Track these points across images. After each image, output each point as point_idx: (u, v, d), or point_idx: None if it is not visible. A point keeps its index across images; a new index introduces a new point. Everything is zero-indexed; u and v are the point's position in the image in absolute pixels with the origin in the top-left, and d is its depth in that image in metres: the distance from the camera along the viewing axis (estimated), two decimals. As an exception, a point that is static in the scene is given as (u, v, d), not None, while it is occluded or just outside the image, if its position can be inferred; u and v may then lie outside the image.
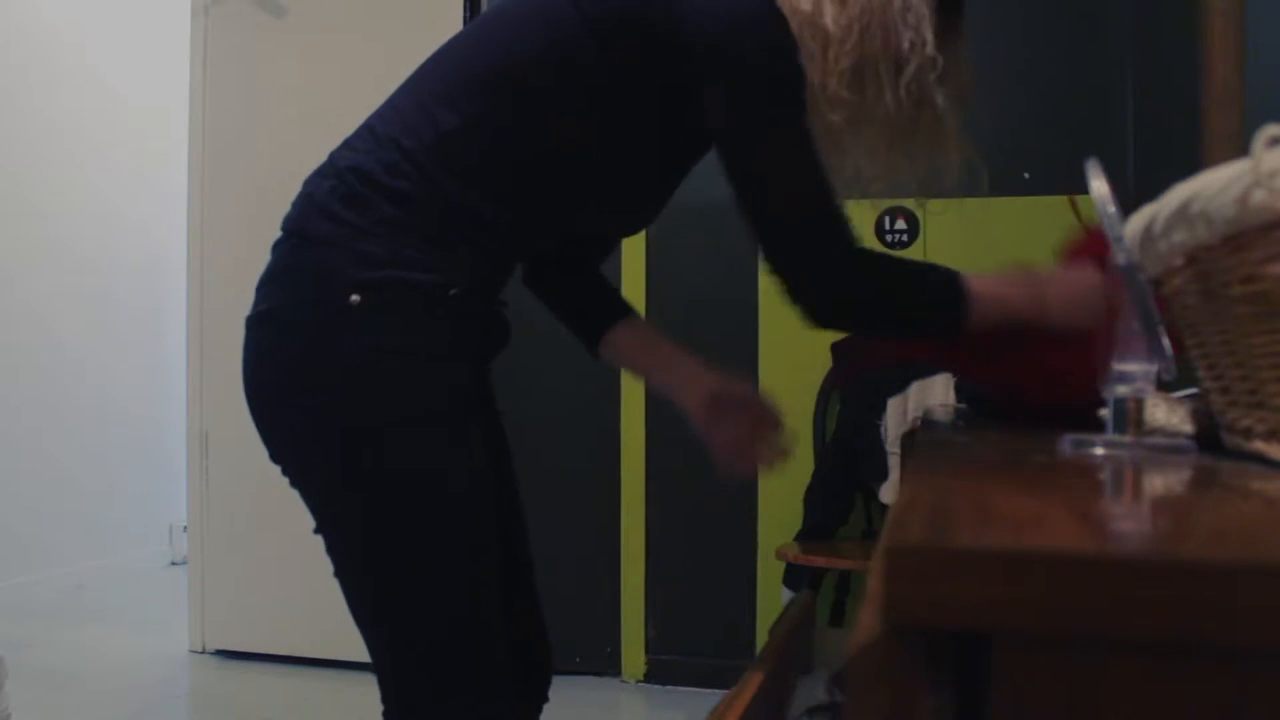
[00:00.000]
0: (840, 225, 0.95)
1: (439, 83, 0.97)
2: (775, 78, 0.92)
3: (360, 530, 0.96)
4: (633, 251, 2.75)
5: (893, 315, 0.99)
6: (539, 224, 1.03)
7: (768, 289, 2.67)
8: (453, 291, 0.93)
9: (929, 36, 0.95)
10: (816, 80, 0.95)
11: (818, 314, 0.96)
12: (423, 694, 0.97)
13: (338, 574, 0.99)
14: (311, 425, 0.94)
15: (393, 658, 0.98)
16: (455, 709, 0.95)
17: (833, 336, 2.51)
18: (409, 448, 0.93)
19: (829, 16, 0.93)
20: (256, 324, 0.97)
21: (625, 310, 1.19)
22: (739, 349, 2.65)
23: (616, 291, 1.22)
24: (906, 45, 0.95)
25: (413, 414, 0.93)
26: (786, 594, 2.43)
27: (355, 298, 0.90)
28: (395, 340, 0.91)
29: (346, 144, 1.00)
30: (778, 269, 0.95)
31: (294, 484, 1.00)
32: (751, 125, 0.93)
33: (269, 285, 0.97)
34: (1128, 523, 0.39)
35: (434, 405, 0.94)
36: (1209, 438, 0.69)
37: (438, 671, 0.96)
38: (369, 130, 0.98)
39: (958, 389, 2.29)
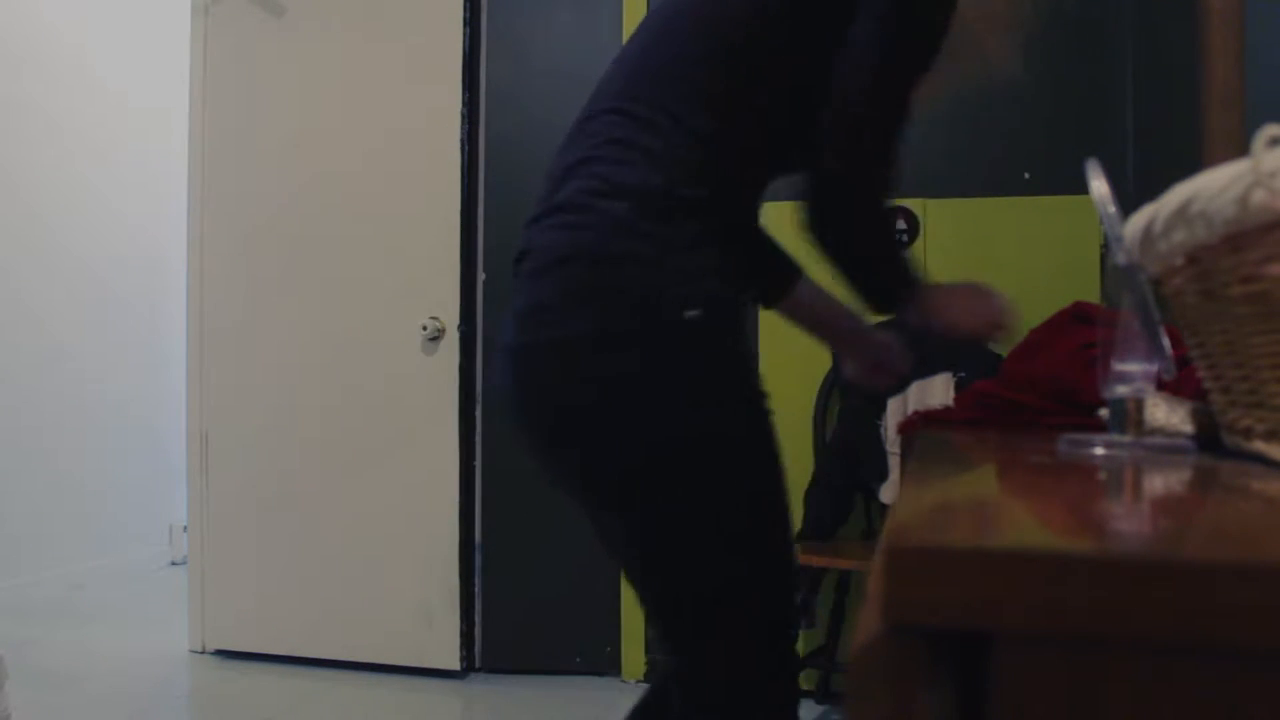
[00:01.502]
0: (897, 157, 1.04)
1: (669, 83, 1.00)
2: (929, 24, 1.00)
3: (700, 533, 0.98)
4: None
5: (883, 238, 1.07)
6: (762, 195, 1.12)
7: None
8: (743, 296, 1.01)
9: None
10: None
11: (845, 199, 1.02)
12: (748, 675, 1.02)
13: (664, 588, 1.03)
14: (652, 439, 0.95)
15: (716, 642, 1.02)
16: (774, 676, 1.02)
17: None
18: (748, 444, 0.98)
19: None
20: (561, 348, 0.96)
21: (800, 270, 1.25)
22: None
23: (786, 250, 1.27)
24: None
25: (746, 409, 0.98)
26: (786, 594, 2.42)
27: (691, 313, 0.93)
28: (728, 347, 0.97)
29: (602, 160, 0.99)
30: (840, 152, 1.00)
31: (605, 506, 1.02)
32: (891, 45, 1.00)
33: (570, 307, 0.95)
34: (1128, 523, 0.39)
35: (758, 397, 0.99)
36: (1209, 438, 0.69)
37: (759, 655, 1.01)
38: (617, 143, 0.99)
39: (958, 389, 2.29)
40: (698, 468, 0.96)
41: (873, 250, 1.06)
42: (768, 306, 1.25)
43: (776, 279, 1.23)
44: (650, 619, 1.10)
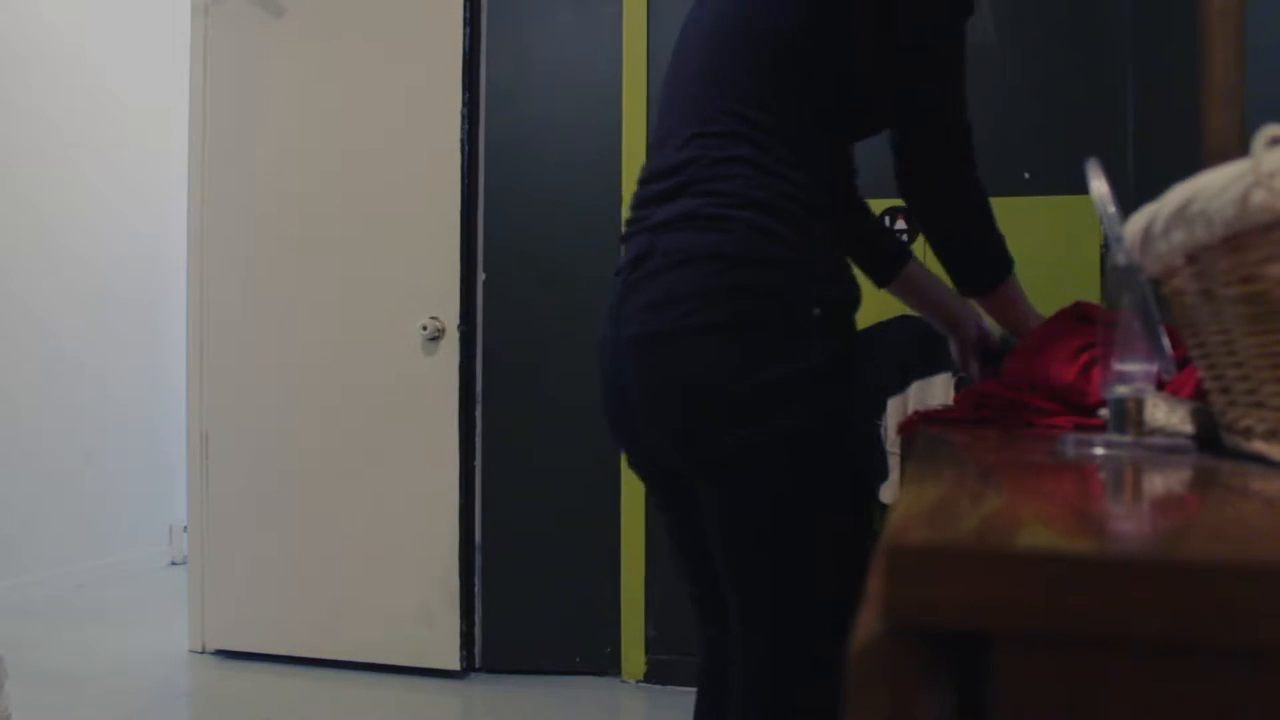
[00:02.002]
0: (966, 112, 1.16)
1: (747, 99, 1.06)
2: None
3: (801, 520, 1.04)
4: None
5: (977, 202, 1.17)
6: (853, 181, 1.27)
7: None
8: (852, 294, 1.08)
9: None
10: None
11: (950, 163, 1.13)
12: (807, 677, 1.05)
13: (755, 581, 1.06)
14: (776, 429, 1.01)
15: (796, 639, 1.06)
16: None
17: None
18: (847, 437, 1.05)
19: None
20: (693, 334, 1.02)
21: (909, 253, 1.36)
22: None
23: (894, 234, 1.40)
24: None
25: (849, 407, 1.06)
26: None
27: (817, 311, 1.01)
28: (847, 345, 1.05)
29: (721, 178, 1.05)
30: (932, 132, 1.12)
31: (716, 470, 1.05)
32: (939, 33, 1.11)
33: (709, 301, 1.02)
34: (1128, 523, 0.39)
35: (855, 398, 1.06)
36: (1209, 438, 0.69)
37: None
38: (724, 162, 1.05)
39: (958, 389, 2.29)
40: (808, 443, 1.02)
41: (967, 214, 1.16)
42: (881, 285, 1.36)
43: (886, 261, 1.34)
44: (724, 602, 1.13)
